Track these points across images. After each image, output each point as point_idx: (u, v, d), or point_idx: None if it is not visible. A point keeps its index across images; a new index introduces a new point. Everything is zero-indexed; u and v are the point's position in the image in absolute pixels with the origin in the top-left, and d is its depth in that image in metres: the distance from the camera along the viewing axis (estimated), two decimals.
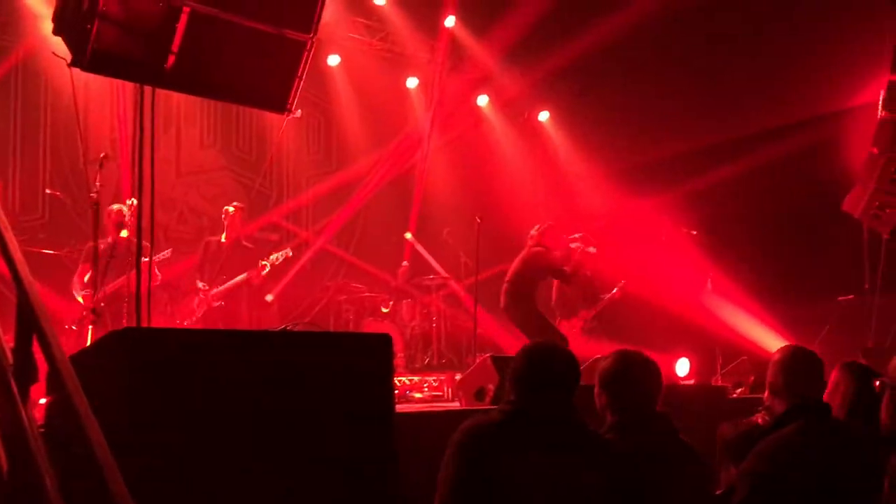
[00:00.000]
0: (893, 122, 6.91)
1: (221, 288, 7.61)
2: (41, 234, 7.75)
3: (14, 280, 2.56)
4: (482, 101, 11.51)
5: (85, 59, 4.14)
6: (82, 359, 3.22)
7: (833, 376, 3.52)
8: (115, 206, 6.88)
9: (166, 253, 7.25)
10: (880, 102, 7.04)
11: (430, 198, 11.11)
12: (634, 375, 3.03)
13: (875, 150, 7.07)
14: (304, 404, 3.24)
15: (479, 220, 7.51)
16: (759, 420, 3.34)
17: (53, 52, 4.34)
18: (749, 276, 8.69)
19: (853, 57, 8.02)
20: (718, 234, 8.94)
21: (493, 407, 4.20)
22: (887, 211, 6.96)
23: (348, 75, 10.53)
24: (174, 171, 9.63)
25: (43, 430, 3.02)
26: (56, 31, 4.30)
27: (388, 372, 3.67)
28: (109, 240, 6.68)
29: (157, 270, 7.02)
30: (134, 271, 6.77)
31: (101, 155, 5.67)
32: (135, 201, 5.73)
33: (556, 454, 2.62)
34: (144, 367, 2.99)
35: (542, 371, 2.76)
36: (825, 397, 3.32)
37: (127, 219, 6.57)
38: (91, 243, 6.65)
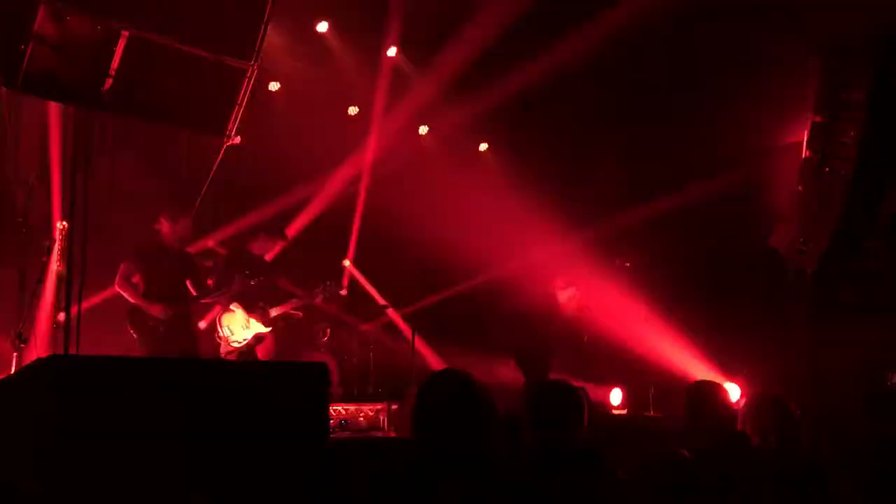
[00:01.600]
0: (816, 162, 7.23)
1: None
2: None
3: None
4: (423, 130, 11.61)
5: (18, 80, 4.07)
6: (6, 386, 3.13)
7: (750, 406, 3.63)
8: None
9: None
10: (804, 142, 7.35)
11: (370, 226, 11.10)
12: (553, 405, 3.09)
13: (800, 188, 7.37)
14: (237, 433, 3.20)
15: (418, 249, 7.55)
16: (686, 453, 3.42)
17: None
18: (679, 309, 8.89)
19: (780, 97, 8.34)
20: (650, 266, 9.15)
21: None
22: (811, 247, 7.24)
23: (289, 102, 10.49)
24: (108, 195, 9.42)
25: None
26: None
27: (324, 401, 3.66)
28: (162, 242, 6.74)
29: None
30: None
31: (32, 177, 5.53)
32: (66, 224, 5.61)
33: (465, 485, 2.60)
34: (69, 395, 2.92)
35: (436, 404, 2.71)
36: (741, 426, 3.43)
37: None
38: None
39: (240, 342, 7.49)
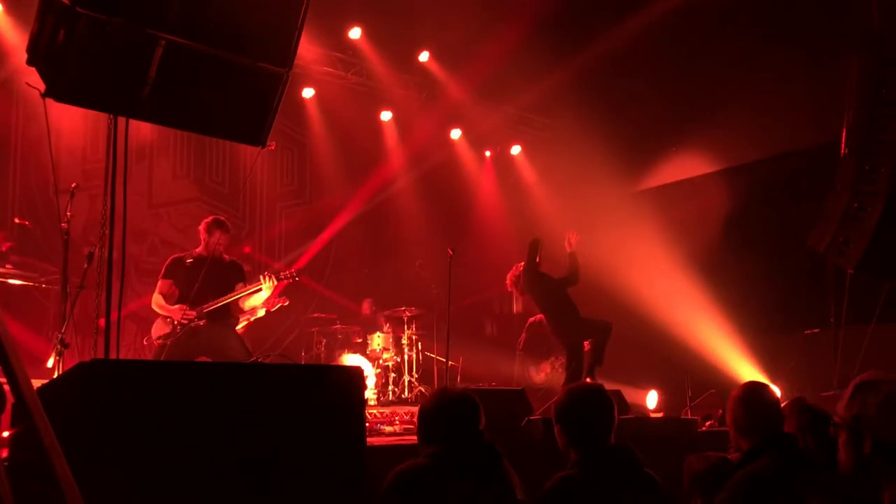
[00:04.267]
0: (855, 160, 7.09)
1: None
2: (8, 263, 7.64)
3: None
4: (455, 134, 11.63)
5: (59, 89, 4.13)
6: (49, 391, 3.19)
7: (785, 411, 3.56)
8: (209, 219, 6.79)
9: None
10: (842, 140, 7.22)
11: (403, 229, 11.15)
12: (586, 409, 3.08)
13: (838, 187, 7.24)
14: (273, 437, 3.22)
15: (451, 252, 7.54)
16: (730, 456, 3.37)
17: (27, 83, 4.32)
18: (718, 310, 8.79)
19: (821, 95, 8.22)
20: (688, 266, 9.06)
21: None
22: (851, 246, 7.10)
23: (322, 108, 10.59)
24: (146, 203, 9.59)
25: (7, 464, 2.98)
26: (30, 62, 4.29)
27: (360, 405, 3.67)
28: (198, 251, 6.64)
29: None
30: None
31: (73, 185, 5.63)
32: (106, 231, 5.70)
33: (477, 490, 2.84)
34: (111, 399, 2.97)
35: (447, 415, 2.99)
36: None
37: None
38: (176, 256, 6.71)
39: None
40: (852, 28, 7.45)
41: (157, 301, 6.59)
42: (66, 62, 4.06)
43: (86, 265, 5.36)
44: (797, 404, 3.50)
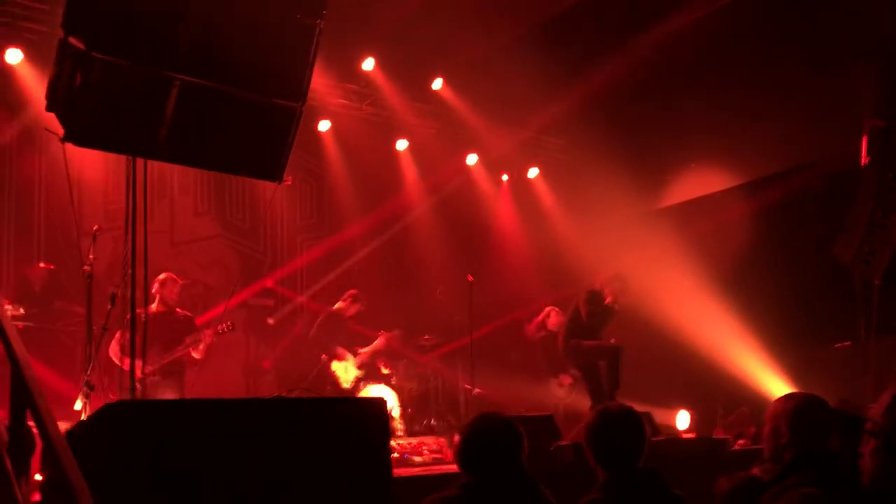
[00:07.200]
0: (876, 168, 7.01)
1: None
2: (35, 308, 7.72)
3: (8, 356, 2.55)
4: (471, 160, 11.65)
5: (77, 133, 4.19)
6: (77, 433, 3.20)
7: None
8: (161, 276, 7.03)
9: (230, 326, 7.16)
10: (863, 149, 7.15)
11: (423, 257, 11.14)
12: (614, 431, 3.04)
13: (861, 196, 7.15)
14: (299, 472, 3.21)
15: (471, 279, 7.52)
16: (759, 472, 3.28)
17: (46, 128, 4.38)
18: (745, 326, 8.68)
19: (842, 105, 8.15)
20: (712, 283, 8.96)
21: None
22: (876, 256, 6.99)
23: (339, 140, 10.66)
24: (168, 241, 9.66)
25: None
26: (49, 107, 4.36)
27: (385, 437, 3.65)
28: (153, 307, 6.80)
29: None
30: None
31: (95, 228, 5.69)
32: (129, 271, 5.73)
33: None
34: (137, 439, 2.97)
35: (485, 444, 2.93)
36: None
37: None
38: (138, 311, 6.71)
39: None
40: (866, 35, 7.40)
41: (113, 350, 6.60)
42: (84, 106, 4.12)
43: (109, 306, 5.39)
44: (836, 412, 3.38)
